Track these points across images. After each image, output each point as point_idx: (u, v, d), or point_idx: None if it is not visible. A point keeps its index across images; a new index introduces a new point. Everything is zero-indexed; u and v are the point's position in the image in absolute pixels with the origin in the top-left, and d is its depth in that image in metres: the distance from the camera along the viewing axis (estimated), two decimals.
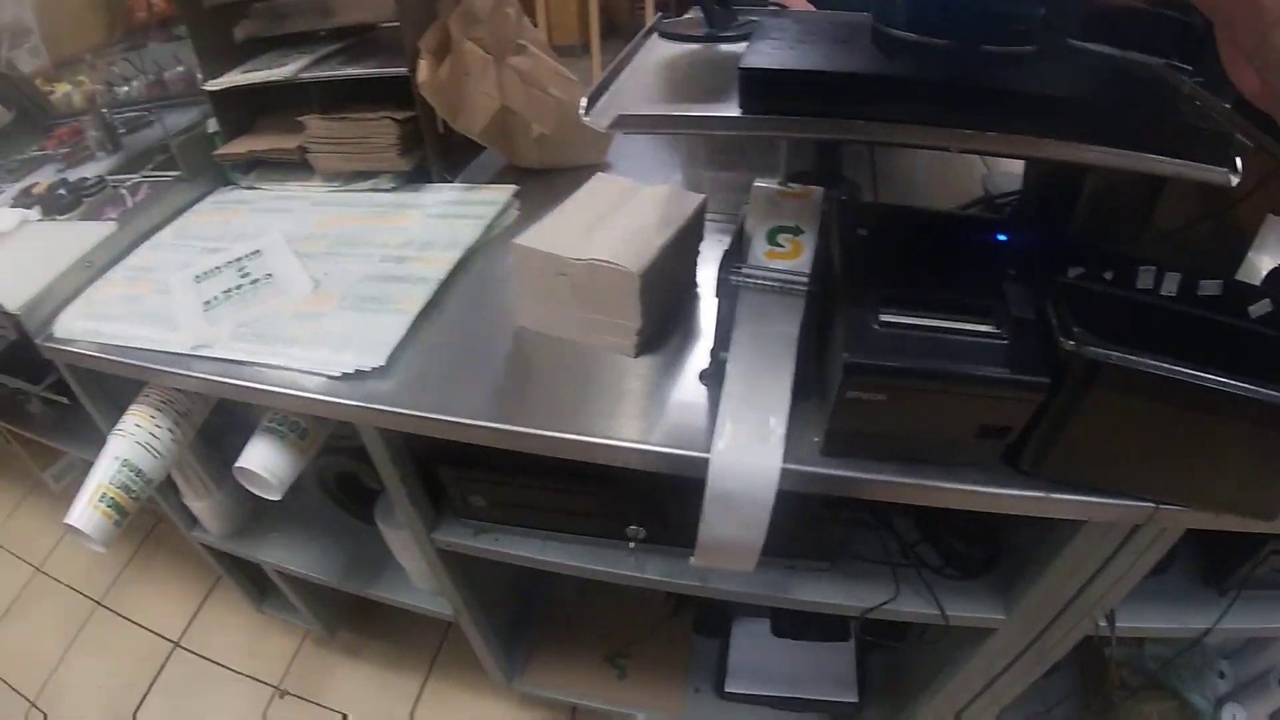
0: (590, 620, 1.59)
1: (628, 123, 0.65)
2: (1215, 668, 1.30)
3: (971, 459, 0.73)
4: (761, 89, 0.63)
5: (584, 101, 0.68)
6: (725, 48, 0.83)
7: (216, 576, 1.93)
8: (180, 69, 1.84)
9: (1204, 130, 0.55)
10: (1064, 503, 0.72)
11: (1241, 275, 0.80)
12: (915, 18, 0.66)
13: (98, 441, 1.15)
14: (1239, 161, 0.53)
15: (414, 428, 0.86)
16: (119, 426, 1.06)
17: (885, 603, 0.96)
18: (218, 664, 1.82)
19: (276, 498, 1.03)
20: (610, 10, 4.06)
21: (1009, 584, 0.96)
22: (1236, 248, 0.80)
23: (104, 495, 1.00)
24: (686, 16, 0.90)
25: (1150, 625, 0.96)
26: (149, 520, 2.13)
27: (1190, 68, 0.70)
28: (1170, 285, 0.66)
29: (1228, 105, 0.63)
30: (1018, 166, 0.99)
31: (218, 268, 1.10)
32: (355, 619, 1.84)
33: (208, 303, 1.04)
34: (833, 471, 0.74)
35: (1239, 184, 0.53)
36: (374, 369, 0.89)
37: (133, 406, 1.08)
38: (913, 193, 1.16)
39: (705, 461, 0.71)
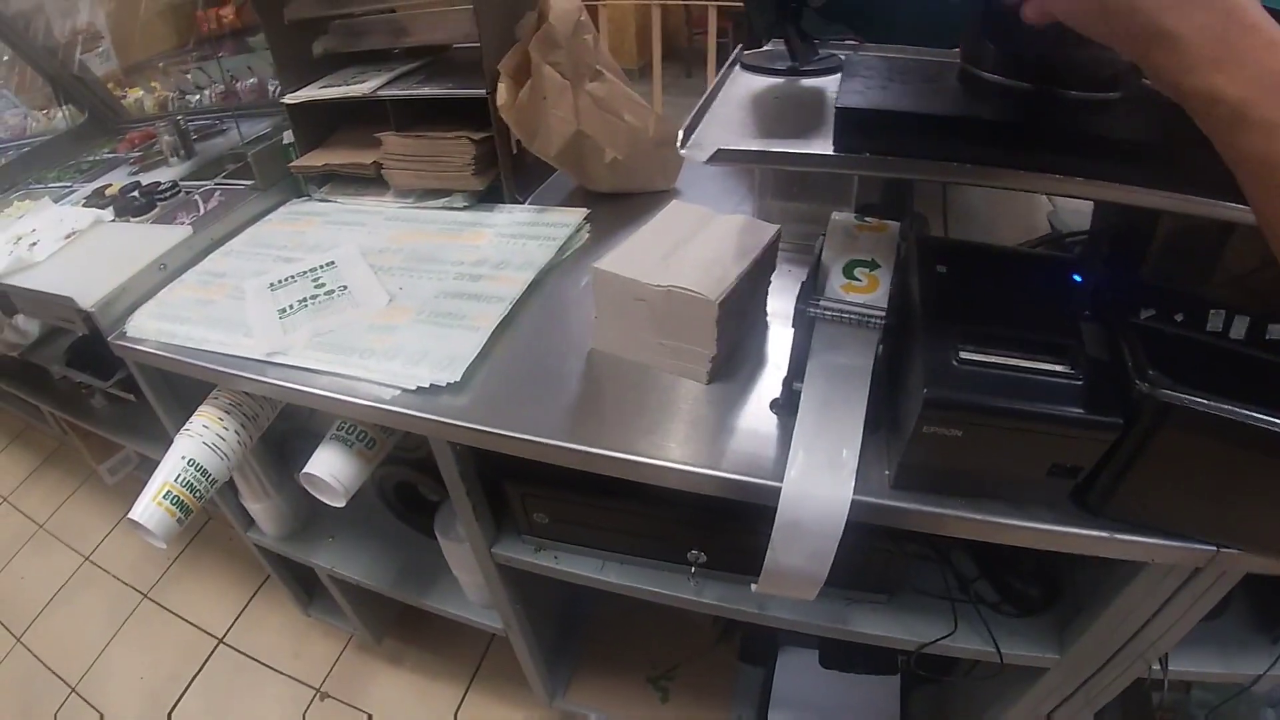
0: (635, 641, 1.59)
1: (726, 157, 0.67)
2: (1262, 717, 1.28)
3: (1040, 497, 0.73)
4: (859, 128, 0.65)
5: (680, 134, 0.70)
6: (808, 82, 0.85)
7: (264, 577, 1.96)
8: (252, 80, 1.89)
9: None
10: (1128, 544, 0.72)
11: None
12: (1004, 62, 0.67)
13: (158, 438, 1.17)
14: None
15: (488, 444, 0.87)
16: (187, 427, 1.08)
17: (943, 638, 0.95)
18: (260, 663, 1.84)
19: (341, 504, 1.05)
20: (669, 35, 4.09)
21: (1065, 623, 0.96)
22: None
23: (169, 493, 1.02)
24: (766, 49, 0.92)
25: (1201, 669, 0.95)
26: (200, 518, 2.16)
27: None
28: (1239, 328, 0.67)
29: None
30: (1085, 203, 0.99)
31: (292, 277, 1.13)
32: (400, 626, 1.85)
33: (283, 310, 1.06)
34: (902, 504, 0.75)
35: None
36: (449, 384, 0.91)
37: (201, 408, 1.11)
38: (979, 227, 1.16)
39: (776, 489, 0.72)
